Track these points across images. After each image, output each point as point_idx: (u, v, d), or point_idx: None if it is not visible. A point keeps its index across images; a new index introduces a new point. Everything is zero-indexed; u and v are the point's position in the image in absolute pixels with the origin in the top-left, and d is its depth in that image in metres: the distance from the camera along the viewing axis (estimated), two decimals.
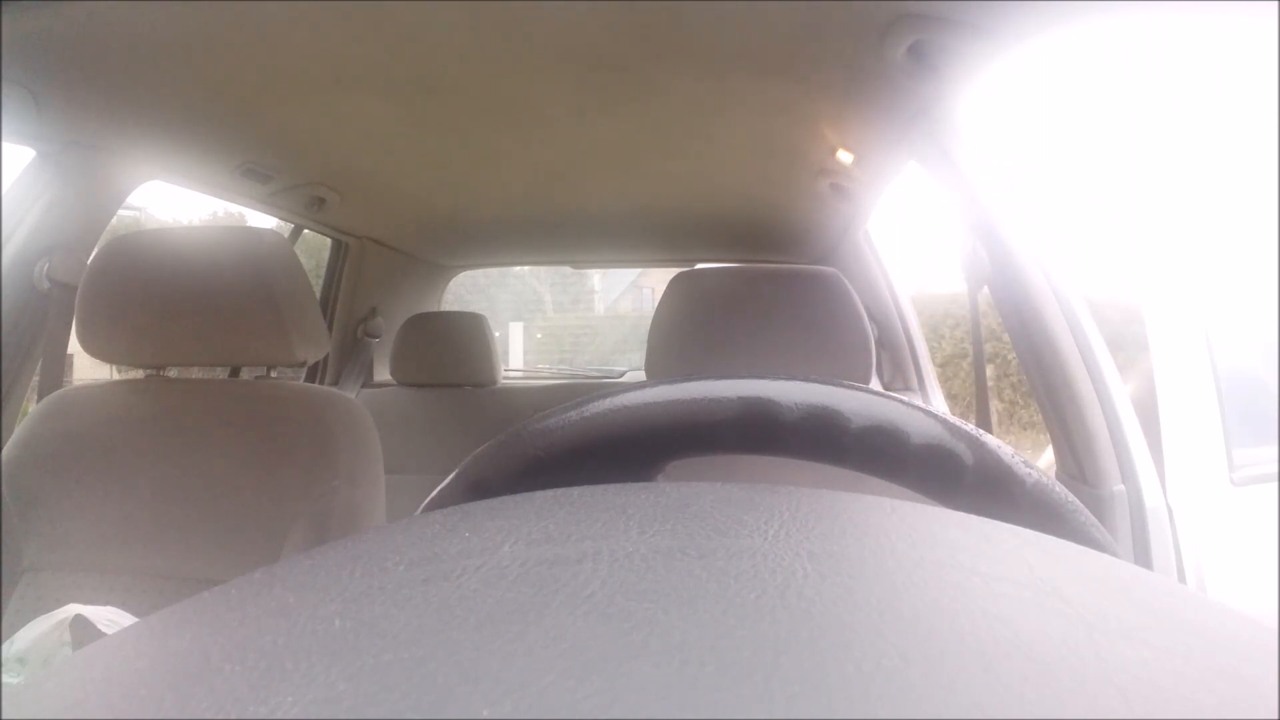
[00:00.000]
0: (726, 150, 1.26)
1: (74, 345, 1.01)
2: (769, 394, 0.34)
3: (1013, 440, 5.53)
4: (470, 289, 4.86)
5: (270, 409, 0.94)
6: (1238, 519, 0.88)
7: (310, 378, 1.87)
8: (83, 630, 0.72)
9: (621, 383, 2.13)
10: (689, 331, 0.95)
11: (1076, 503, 0.33)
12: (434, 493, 0.37)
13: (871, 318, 1.29)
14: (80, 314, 0.93)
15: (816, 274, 0.97)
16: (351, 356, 1.93)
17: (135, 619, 0.49)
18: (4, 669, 0.70)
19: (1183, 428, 0.90)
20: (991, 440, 0.33)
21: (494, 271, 4.40)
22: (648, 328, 0.98)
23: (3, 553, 0.88)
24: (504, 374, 1.96)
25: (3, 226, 1.00)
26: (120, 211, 1.17)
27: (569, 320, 7.45)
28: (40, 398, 1.01)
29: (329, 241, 1.88)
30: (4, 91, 0.86)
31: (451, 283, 2.32)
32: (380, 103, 1.03)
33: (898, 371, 1.73)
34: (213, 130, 1.10)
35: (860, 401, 0.33)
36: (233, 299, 0.91)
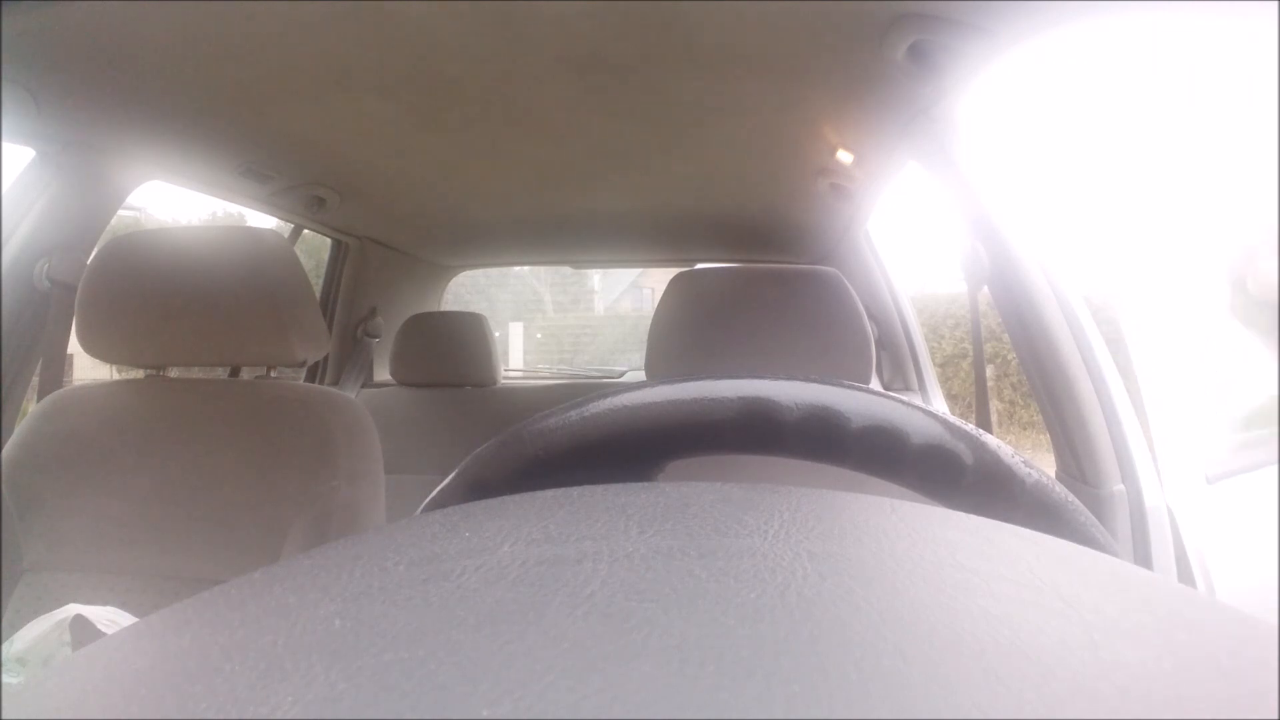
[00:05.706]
0: (726, 150, 1.26)
1: (74, 345, 1.01)
2: (769, 394, 0.34)
3: (1012, 440, 5.53)
4: (470, 289, 4.86)
5: (270, 409, 0.94)
6: (1213, 516, 0.88)
7: (310, 378, 1.87)
8: (83, 630, 0.72)
9: (621, 383, 2.13)
10: (689, 331, 0.95)
11: (1076, 503, 0.33)
12: (434, 493, 0.37)
13: (871, 318, 1.30)
14: (80, 314, 0.93)
15: (816, 274, 0.97)
16: (351, 356, 1.93)
17: (135, 619, 0.49)
18: (4, 669, 0.70)
19: (1165, 426, 0.90)
20: (991, 440, 0.33)
21: (494, 271, 4.40)
22: (648, 328, 0.98)
23: (3, 553, 0.88)
24: (504, 374, 1.96)
25: (3, 226, 1.00)
26: (120, 211, 1.17)
27: (569, 320, 7.45)
28: (40, 398, 1.01)
29: (329, 241, 1.88)
30: (4, 91, 0.86)
31: (451, 283, 2.32)
32: (380, 103, 1.03)
33: (898, 371, 1.73)
34: (213, 130, 1.10)
35: (860, 401, 0.33)
36: (233, 299, 0.91)
